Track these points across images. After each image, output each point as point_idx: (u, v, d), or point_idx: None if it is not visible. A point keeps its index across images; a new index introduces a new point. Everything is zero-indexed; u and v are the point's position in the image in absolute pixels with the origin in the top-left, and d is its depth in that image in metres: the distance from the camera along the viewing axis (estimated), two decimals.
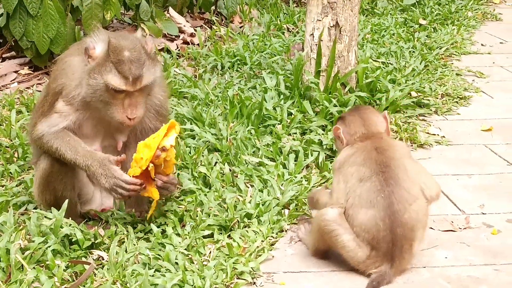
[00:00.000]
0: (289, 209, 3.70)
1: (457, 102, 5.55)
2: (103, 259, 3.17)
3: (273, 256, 3.32)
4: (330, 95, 4.93)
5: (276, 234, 3.49)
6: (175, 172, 3.86)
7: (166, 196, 3.52)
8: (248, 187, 3.90)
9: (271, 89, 5.11)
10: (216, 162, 4.16)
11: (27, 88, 5.58)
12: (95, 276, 3.02)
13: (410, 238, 3.09)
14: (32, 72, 5.87)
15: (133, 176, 3.25)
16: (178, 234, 3.36)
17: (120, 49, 3.23)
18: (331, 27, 5.02)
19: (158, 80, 3.41)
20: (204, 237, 3.37)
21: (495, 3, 9.50)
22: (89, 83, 3.25)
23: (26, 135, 4.16)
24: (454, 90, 5.68)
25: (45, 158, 3.42)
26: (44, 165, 3.42)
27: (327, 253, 3.28)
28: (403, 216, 3.05)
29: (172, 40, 6.96)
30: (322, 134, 4.54)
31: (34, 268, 3.00)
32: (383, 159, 3.14)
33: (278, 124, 4.66)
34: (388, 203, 3.05)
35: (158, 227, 3.40)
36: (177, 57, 6.40)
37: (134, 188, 3.25)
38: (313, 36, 5.05)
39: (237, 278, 3.09)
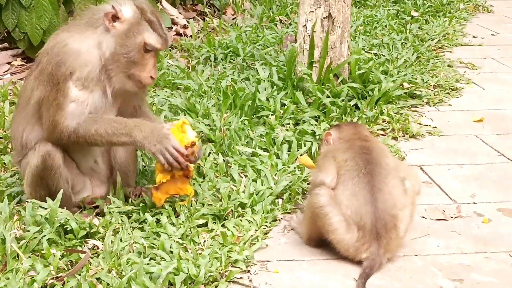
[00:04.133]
0: (282, 198, 3.73)
1: (448, 93, 5.59)
2: (98, 248, 3.19)
3: (267, 245, 3.35)
4: (323, 86, 4.96)
5: (270, 223, 3.52)
6: None
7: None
8: (242, 177, 3.92)
9: (264, 80, 5.13)
10: (210, 153, 4.18)
11: (20, 79, 5.56)
12: (90, 264, 3.04)
13: (392, 215, 3.15)
14: (25, 63, 5.87)
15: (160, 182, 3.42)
16: (172, 224, 3.38)
17: (146, 10, 3.33)
18: (324, 18, 5.04)
19: None
20: (199, 226, 3.39)
21: None
22: (125, 43, 3.29)
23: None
24: (445, 81, 5.72)
25: (35, 154, 3.35)
26: (35, 161, 3.35)
27: (320, 241, 3.31)
28: (383, 190, 3.17)
29: None
30: (315, 124, 4.56)
31: (29, 257, 3.02)
32: (365, 144, 3.36)
33: (271, 115, 4.68)
34: (368, 179, 3.20)
35: (152, 216, 3.42)
36: (170, 48, 6.40)
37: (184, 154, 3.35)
38: (306, 28, 5.07)
39: (231, 266, 3.11)
